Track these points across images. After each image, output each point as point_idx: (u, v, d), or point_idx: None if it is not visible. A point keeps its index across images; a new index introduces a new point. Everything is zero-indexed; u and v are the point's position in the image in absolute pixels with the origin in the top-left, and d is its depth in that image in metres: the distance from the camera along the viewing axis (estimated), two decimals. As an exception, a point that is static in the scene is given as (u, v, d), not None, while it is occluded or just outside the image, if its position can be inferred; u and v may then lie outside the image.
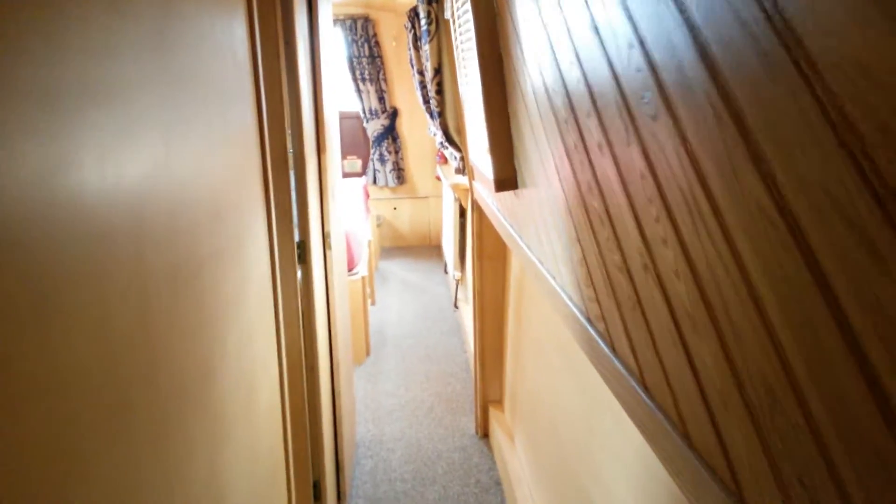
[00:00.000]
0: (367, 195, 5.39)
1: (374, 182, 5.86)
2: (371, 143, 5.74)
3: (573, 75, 0.97)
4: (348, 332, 2.64)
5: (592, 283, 1.05)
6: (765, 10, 0.47)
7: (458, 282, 4.30)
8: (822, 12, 0.41)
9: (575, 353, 1.65)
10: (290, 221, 1.83)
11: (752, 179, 0.53)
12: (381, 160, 5.77)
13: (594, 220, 0.99)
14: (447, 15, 2.41)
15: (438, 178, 5.58)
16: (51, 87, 0.48)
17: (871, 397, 0.43)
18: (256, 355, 1.15)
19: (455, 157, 3.03)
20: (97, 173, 0.55)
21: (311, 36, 2.07)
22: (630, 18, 0.74)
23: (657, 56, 0.68)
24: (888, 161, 0.38)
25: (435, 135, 3.39)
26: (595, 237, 0.99)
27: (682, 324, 0.72)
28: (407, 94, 5.58)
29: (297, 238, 1.85)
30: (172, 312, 0.73)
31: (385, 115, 5.62)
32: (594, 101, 0.90)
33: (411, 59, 3.48)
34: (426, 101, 3.36)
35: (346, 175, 5.84)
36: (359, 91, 5.52)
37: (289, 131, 1.82)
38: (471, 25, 1.65)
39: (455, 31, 2.26)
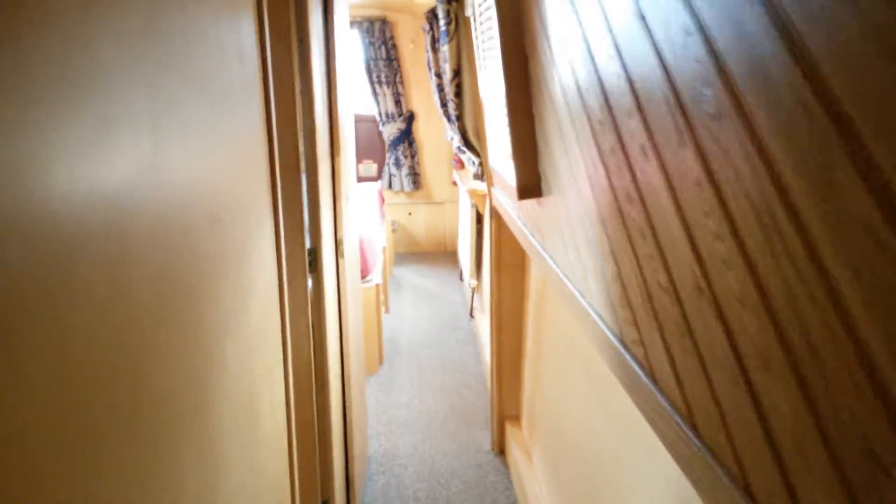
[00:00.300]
0: (383, 200, 5.31)
1: (390, 187, 5.78)
2: (387, 146, 5.67)
3: (611, 70, 0.87)
4: (361, 343, 2.55)
5: (629, 303, 0.95)
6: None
7: (474, 290, 4.19)
8: None
9: (602, 375, 1.53)
10: (301, 227, 1.74)
11: (857, 193, 0.43)
12: (397, 164, 5.69)
13: (633, 233, 0.88)
14: (468, 12, 2.31)
15: (455, 183, 5.49)
16: (10, 74, 0.39)
17: None
18: (259, 376, 1.06)
19: (473, 163, 2.93)
20: (67, 175, 0.46)
21: (326, 35, 1.99)
22: (688, 0, 0.64)
23: (722, 43, 0.58)
24: None
25: (452, 139, 3.29)
26: (634, 252, 0.89)
27: (747, 360, 0.61)
28: (424, 98, 5.50)
29: (308, 245, 1.76)
30: (160, 332, 0.64)
31: (401, 118, 5.54)
32: (637, 99, 0.79)
33: (429, 62, 3.40)
34: (444, 105, 3.26)
35: (360, 179, 5.77)
36: (375, 94, 5.44)
37: (301, 133, 1.73)
38: (493, 22, 1.56)
39: (476, 29, 2.17)
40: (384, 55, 5.33)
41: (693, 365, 0.74)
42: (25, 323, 0.42)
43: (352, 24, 5.21)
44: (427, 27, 3.36)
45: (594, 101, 0.97)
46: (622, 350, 0.99)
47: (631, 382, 0.97)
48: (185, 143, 0.73)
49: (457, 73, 2.86)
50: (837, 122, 0.43)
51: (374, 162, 5.86)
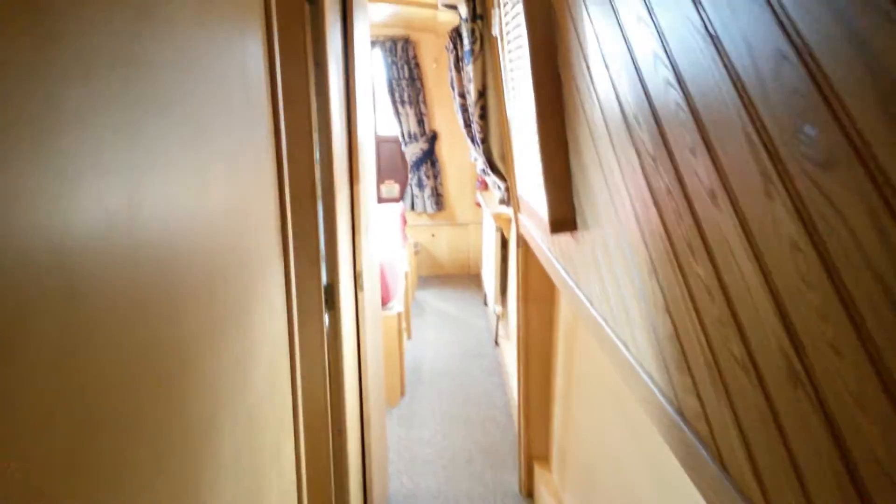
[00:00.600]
0: (405, 222, 5.21)
1: (413, 208, 5.68)
2: (409, 167, 5.58)
3: (669, 99, 0.74)
4: (381, 378, 2.42)
5: (689, 369, 0.80)
6: None
7: (499, 317, 4.05)
8: None
9: (643, 424, 1.38)
10: (317, 261, 1.63)
11: None
12: (420, 185, 5.60)
13: (696, 291, 0.75)
14: (494, 31, 2.20)
15: (479, 205, 5.36)
16: None
17: None
18: (265, 448, 0.94)
19: (499, 187, 2.81)
20: (21, 228, 0.35)
21: (346, 57, 1.89)
22: (775, 14, 0.51)
23: (832, 70, 0.45)
24: None
25: (476, 160, 3.18)
26: (697, 313, 0.75)
27: (865, 472, 0.47)
28: (447, 118, 5.41)
29: (324, 281, 1.65)
30: (138, 417, 0.52)
31: (424, 138, 5.45)
32: (703, 134, 0.66)
33: (452, 82, 3.30)
34: (467, 126, 3.15)
35: (382, 200, 5.68)
36: (398, 114, 5.37)
37: (317, 160, 1.63)
38: (523, 41, 1.44)
39: (503, 48, 2.05)
40: (407, 74, 5.26)
41: (781, 464, 0.60)
42: None
43: (374, 43, 5.16)
44: (451, 46, 3.26)
45: (645, 133, 0.84)
46: (680, 422, 0.85)
47: (690, 460, 0.83)
48: (169, 190, 0.62)
49: (482, 93, 2.75)
50: None
51: (397, 182, 5.77)
